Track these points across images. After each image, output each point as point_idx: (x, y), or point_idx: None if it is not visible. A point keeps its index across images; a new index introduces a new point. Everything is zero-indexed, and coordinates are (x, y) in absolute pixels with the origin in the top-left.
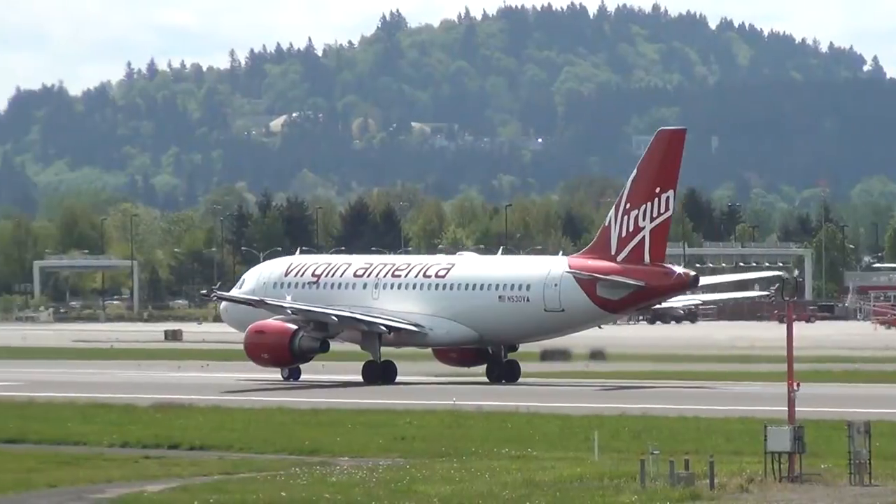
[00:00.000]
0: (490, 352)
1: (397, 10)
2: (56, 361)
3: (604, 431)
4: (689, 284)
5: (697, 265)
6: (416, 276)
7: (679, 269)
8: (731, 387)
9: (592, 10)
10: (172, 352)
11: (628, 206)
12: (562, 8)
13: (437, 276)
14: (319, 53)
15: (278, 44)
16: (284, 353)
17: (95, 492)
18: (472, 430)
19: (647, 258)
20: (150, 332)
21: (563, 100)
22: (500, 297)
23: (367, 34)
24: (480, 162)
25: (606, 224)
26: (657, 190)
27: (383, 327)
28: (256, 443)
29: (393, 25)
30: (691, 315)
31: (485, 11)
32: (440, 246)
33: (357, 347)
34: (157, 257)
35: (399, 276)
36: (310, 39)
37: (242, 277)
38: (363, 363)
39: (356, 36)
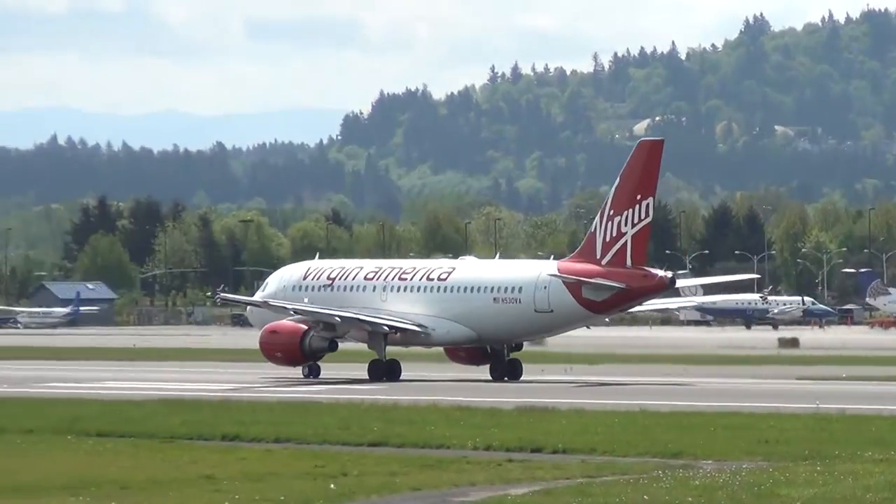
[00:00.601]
0: (490, 350)
1: (761, 14)
2: (426, 364)
3: None
4: (668, 286)
5: None
6: (420, 280)
7: (658, 272)
8: None
9: None
10: (532, 355)
11: (612, 212)
12: None
13: (438, 279)
14: (683, 57)
15: (642, 47)
16: (296, 352)
17: (459, 495)
18: (836, 434)
19: (629, 262)
20: None
21: None
22: (494, 298)
23: (730, 38)
24: (844, 165)
25: (592, 230)
26: (638, 197)
27: (386, 327)
28: (619, 446)
29: (756, 29)
30: None
31: (848, 14)
32: (803, 250)
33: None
34: None
35: (405, 279)
36: (673, 43)
37: (266, 280)
38: (369, 361)
39: (720, 39)
